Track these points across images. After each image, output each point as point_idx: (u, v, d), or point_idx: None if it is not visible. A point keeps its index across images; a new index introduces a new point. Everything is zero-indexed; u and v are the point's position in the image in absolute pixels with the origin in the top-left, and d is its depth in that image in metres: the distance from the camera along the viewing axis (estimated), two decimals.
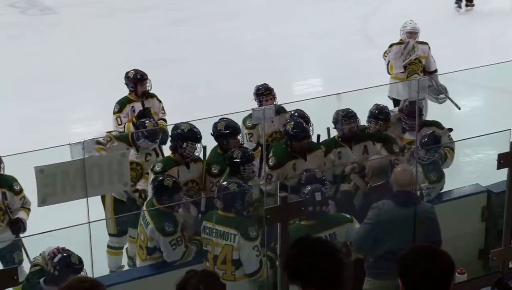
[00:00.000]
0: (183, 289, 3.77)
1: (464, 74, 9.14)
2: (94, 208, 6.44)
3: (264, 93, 8.28)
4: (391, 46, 10.05)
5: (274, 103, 8.20)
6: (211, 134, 7.38)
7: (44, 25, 15.94)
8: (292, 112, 7.81)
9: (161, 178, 6.78)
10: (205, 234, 6.57)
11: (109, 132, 7.51)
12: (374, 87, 6.95)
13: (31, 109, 11.65)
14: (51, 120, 11.22)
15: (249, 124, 8.05)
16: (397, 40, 10.09)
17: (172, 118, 8.51)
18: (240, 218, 6.50)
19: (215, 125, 7.37)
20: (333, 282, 3.70)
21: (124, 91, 8.67)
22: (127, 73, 8.68)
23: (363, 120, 7.83)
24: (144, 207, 6.91)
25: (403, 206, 6.37)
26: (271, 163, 7.30)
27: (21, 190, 7.00)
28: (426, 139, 7.49)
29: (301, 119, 7.50)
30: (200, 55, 13.69)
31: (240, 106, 7.99)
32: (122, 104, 8.52)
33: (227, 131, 7.34)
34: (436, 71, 9.83)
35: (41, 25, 15.91)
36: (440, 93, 9.27)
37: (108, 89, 12.04)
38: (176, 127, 7.38)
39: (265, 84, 8.39)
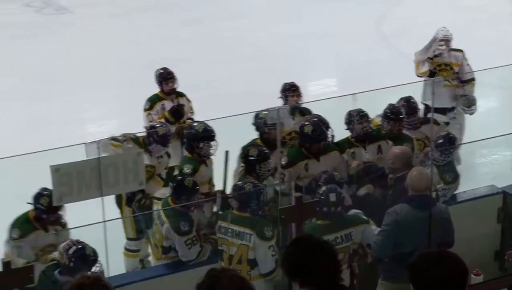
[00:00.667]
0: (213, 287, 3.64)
1: (480, 75, 9.10)
2: (109, 208, 6.48)
3: (290, 89, 8.25)
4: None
5: (299, 101, 8.20)
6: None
7: (59, 24, 15.97)
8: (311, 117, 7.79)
9: (180, 178, 6.79)
10: (220, 234, 6.57)
11: (125, 134, 7.50)
12: (390, 87, 6.91)
13: (45, 108, 11.66)
14: (65, 119, 11.23)
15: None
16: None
17: None
18: (255, 218, 6.49)
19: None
20: (330, 281, 3.72)
21: (135, 90, 8.70)
22: (155, 71, 8.79)
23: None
24: (159, 207, 6.91)
25: (420, 209, 6.32)
26: (283, 162, 7.27)
27: None
28: (441, 140, 7.45)
29: (322, 124, 7.46)
30: (208, 55, 13.68)
31: (254, 106, 8.01)
32: (152, 102, 8.59)
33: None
34: (472, 80, 9.29)
35: (56, 25, 15.93)
36: (471, 105, 9.13)
37: (121, 88, 12.10)
38: (190, 127, 7.41)
39: (292, 81, 8.37)
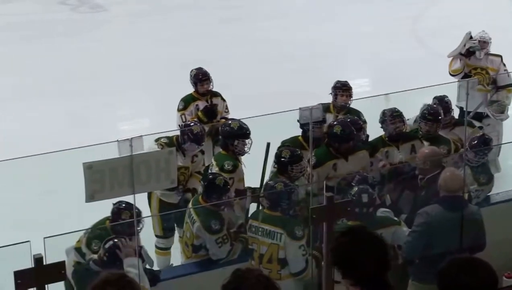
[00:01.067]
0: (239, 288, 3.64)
1: None
2: (140, 206, 6.51)
3: (341, 88, 8.20)
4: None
5: (349, 102, 8.16)
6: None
7: (94, 22, 16.08)
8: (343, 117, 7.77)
9: (212, 176, 6.82)
10: (250, 233, 6.57)
11: (157, 139, 7.53)
12: (423, 88, 6.88)
13: (79, 106, 11.75)
14: (99, 117, 11.31)
15: None
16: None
17: None
18: (286, 217, 6.49)
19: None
20: (374, 279, 3.71)
21: (170, 89, 8.72)
22: (190, 71, 8.78)
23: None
24: (190, 205, 6.93)
25: (451, 211, 6.29)
26: (311, 162, 7.24)
27: None
28: (475, 142, 7.40)
29: (353, 125, 7.46)
30: (240, 55, 13.69)
31: (285, 106, 7.99)
32: (186, 102, 8.59)
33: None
34: (509, 86, 9.07)
35: (91, 23, 16.05)
36: (502, 111, 8.97)
37: (156, 87, 12.16)
38: (225, 125, 7.43)
39: (345, 80, 8.31)
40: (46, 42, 14.67)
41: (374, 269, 3.79)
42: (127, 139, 5.28)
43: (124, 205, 6.37)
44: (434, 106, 7.87)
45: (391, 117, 7.55)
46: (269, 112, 7.05)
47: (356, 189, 6.37)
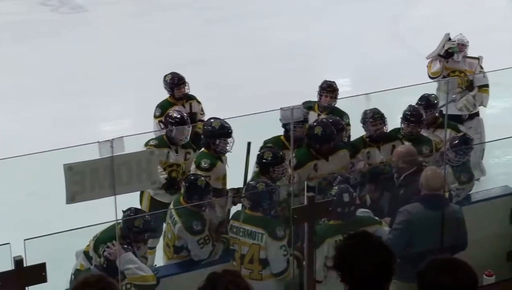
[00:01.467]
0: None
1: (495, 75, 9.05)
2: (125, 206, 6.50)
3: (325, 89, 8.21)
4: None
5: (333, 103, 8.18)
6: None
7: (75, 23, 16.00)
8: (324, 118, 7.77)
9: (193, 177, 6.80)
10: (232, 233, 6.58)
11: (147, 143, 7.52)
12: (403, 87, 6.90)
13: (61, 107, 11.71)
14: (80, 118, 11.27)
15: None
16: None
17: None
18: (267, 217, 6.50)
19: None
20: (371, 287, 3.66)
21: (153, 89, 8.69)
22: (164, 77, 8.69)
23: (391, 121, 7.79)
24: (171, 206, 6.92)
25: (433, 209, 6.32)
26: (292, 164, 7.27)
27: None
28: (456, 141, 7.44)
29: (335, 125, 7.47)
30: (227, 55, 13.69)
31: (265, 106, 8.00)
32: (163, 108, 8.50)
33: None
34: (485, 86, 9.05)
35: (72, 23, 15.97)
36: (467, 107, 8.94)
37: (137, 88, 12.13)
38: (207, 124, 7.43)
39: (332, 81, 8.31)
40: (28, 43, 14.60)
41: (372, 276, 3.72)
42: (108, 140, 5.27)
43: (132, 213, 6.43)
44: (416, 106, 7.89)
45: (372, 118, 7.57)
46: (254, 111, 7.06)
47: (337, 188, 6.38)
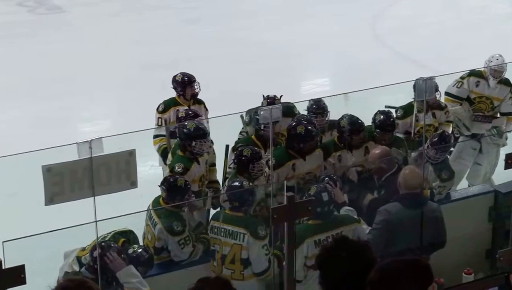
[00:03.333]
0: None
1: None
2: (103, 208, 6.51)
3: (316, 112, 7.84)
4: (469, 75, 8.60)
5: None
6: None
7: (53, 24, 15.99)
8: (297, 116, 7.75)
9: (172, 179, 6.77)
10: (212, 234, 6.60)
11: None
12: (382, 86, 6.95)
13: (39, 108, 11.69)
14: (60, 119, 11.27)
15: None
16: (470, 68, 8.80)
17: None
18: (248, 217, 6.53)
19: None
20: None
21: (132, 90, 8.68)
22: (174, 77, 8.48)
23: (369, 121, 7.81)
24: (150, 207, 6.93)
25: (411, 208, 6.37)
26: (271, 162, 7.25)
27: None
28: (435, 139, 7.50)
29: (310, 123, 7.42)
30: (208, 55, 13.71)
31: (247, 105, 8.04)
32: (167, 105, 8.39)
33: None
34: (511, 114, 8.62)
35: (50, 24, 15.95)
36: (500, 137, 8.62)
37: (117, 88, 12.13)
38: (182, 126, 7.41)
39: (320, 100, 7.88)
40: (5, 44, 14.57)
41: (348, 283, 3.61)
42: (86, 141, 5.28)
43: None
44: (389, 114, 7.72)
45: (354, 131, 7.47)
46: (228, 112, 7.10)
47: (315, 188, 6.41)
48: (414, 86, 7.12)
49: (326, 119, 7.85)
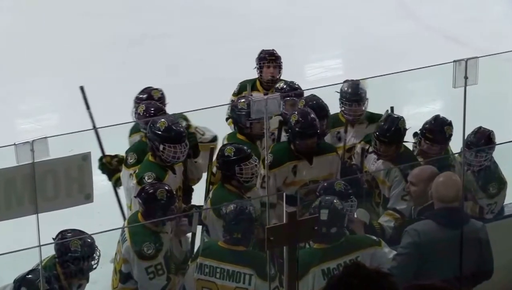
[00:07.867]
0: None
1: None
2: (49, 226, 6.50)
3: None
4: None
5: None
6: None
7: None
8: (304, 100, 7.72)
9: (151, 190, 6.63)
10: (202, 275, 6.44)
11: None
12: (407, 71, 6.94)
13: None
14: None
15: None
16: None
17: None
18: (252, 251, 6.42)
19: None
20: None
21: (87, 74, 8.65)
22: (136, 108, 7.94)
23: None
24: (125, 223, 6.89)
25: (448, 227, 6.33)
26: (267, 162, 7.17)
27: None
28: (474, 138, 7.38)
29: (313, 113, 7.35)
30: (191, 29, 13.72)
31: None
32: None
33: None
34: None
35: None
36: None
37: (65, 74, 12.10)
38: (153, 122, 7.19)
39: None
40: None
41: None
42: (27, 141, 5.27)
43: (69, 233, 6.39)
44: (396, 123, 7.47)
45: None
46: (215, 102, 7.06)
47: (317, 202, 6.33)
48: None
49: (363, 108, 7.83)
